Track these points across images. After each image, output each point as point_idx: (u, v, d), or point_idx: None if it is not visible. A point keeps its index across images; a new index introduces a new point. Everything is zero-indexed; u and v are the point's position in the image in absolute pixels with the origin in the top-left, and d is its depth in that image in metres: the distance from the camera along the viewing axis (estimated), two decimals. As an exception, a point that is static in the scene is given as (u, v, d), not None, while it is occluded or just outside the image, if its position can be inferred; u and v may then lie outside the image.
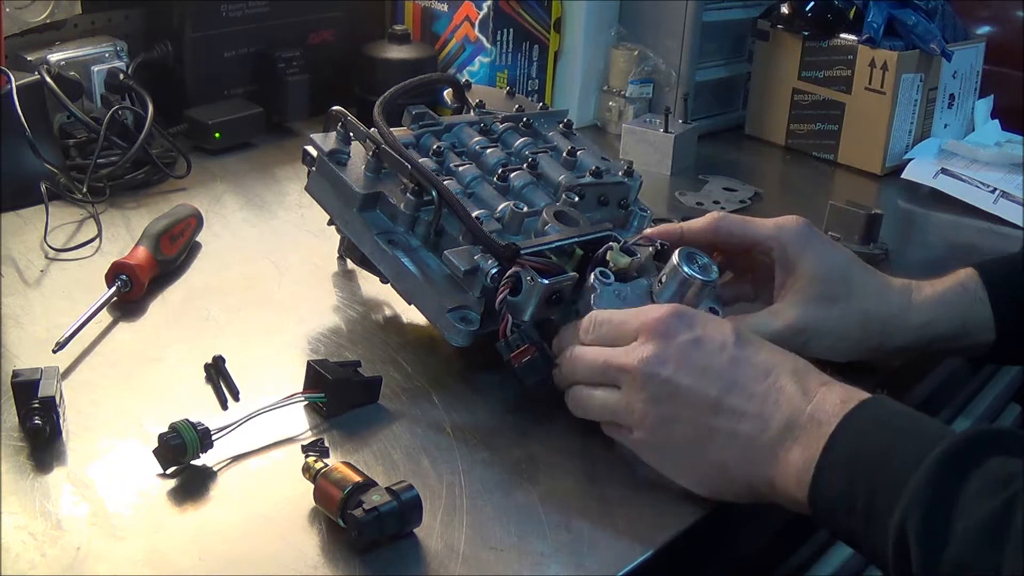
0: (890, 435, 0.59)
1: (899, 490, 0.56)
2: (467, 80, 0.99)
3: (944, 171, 1.26)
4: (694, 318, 0.68)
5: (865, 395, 0.63)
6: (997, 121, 1.42)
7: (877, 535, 0.57)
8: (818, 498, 0.61)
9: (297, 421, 0.72)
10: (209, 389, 0.76)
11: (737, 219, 0.83)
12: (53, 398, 0.68)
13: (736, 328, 0.68)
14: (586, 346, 0.71)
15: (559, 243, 0.78)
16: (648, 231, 0.82)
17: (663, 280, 0.76)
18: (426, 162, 0.82)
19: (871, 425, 0.61)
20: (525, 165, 0.87)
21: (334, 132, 0.84)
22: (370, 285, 0.90)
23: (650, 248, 0.79)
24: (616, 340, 0.69)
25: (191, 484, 0.66)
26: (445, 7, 1.35)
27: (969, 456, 0.55)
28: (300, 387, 0.73)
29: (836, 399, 0.63)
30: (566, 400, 0.72)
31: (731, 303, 0.85)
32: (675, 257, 0.75)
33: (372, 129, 0.82)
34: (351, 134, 0.83)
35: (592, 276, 0.75)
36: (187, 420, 0.66)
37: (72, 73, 1.14)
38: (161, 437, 0.66)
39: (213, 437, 0.67)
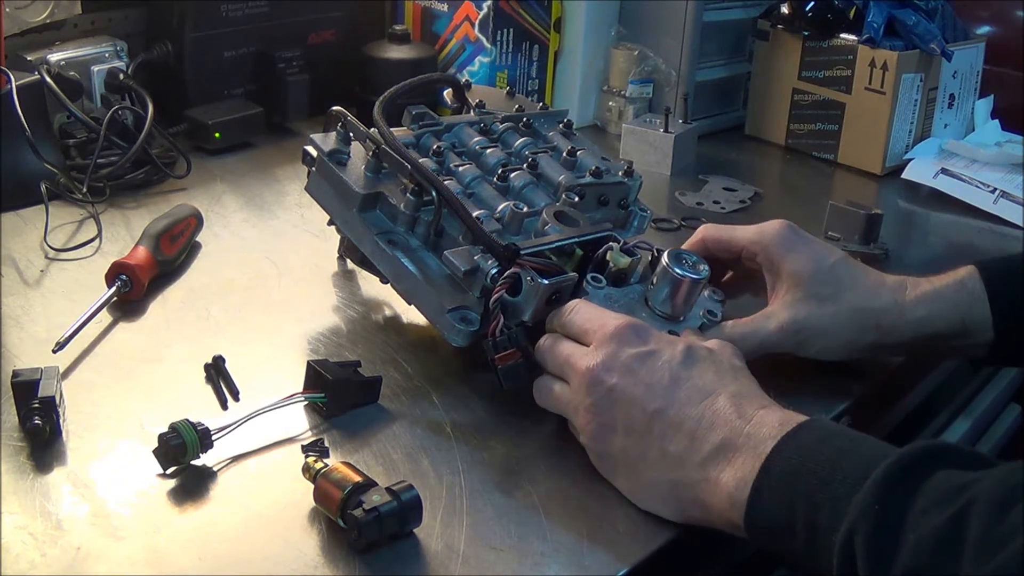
0: (832, 454, 0.58)
1: (843, 507, 0.55)
2: (467, 80, 0.99)
3: (944, 171, 1.26)
4: (648, 333, 0.68)
5: (804, 418, 0.63)
6: (997, 121, 1.42)
7: (821, 552, 0.56)
8: (755, 518, 0.60)
9: (297, 421, 0.72)
10: (209, 389, 0.76)
11: (720, 228, 0.84)
12: (53, 398, 0.68)
13: (689, 348, 0.67)
14: (561, 336, 0.71)
15: (559, 243, 0.78)
16: None
17: (655, 282, 0.76)
18: (426, 162, 0.82)
19: (811, 445, 0.60)
20: (525, 165, 0.86)
21: (334, 132, 0.84)
22: (370, 285, 0.90)
23: (649, 253, 0.79)
24: (581, 335, 0.70)
25: (191, 484, 0.66)
26: (445, 7, 1.35)
27: (915, 471, 0.55)
28: (300, 387, 0.73)
29: (775, 421, 0.62)
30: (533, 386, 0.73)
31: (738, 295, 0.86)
32: (664, 258, 0.76)
33: (372, 129, 0.82)
34: (351, 134, 0.83)
35: (584, 281, 0.75)
36: (187, 420, 0.66)
37: (72, 73, 1.14)
38: (161, 437, 0.66)
39: (213, 437, 0.67)
